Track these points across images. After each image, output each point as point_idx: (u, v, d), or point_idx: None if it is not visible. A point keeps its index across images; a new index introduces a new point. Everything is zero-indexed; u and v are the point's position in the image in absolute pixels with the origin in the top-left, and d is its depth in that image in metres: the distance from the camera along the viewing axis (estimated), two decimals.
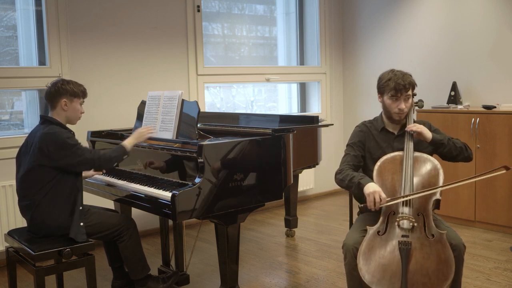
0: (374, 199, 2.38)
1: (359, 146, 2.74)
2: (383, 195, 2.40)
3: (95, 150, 2.91)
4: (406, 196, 2.46)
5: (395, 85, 2.59)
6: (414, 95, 2.72)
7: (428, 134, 2.64)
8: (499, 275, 3.52)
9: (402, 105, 2.63)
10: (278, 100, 6.17)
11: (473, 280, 3.43)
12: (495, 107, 4.47)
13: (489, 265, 3.69)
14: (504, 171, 2.38)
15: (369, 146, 2.75)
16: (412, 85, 2.66)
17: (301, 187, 5.59)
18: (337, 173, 2.65)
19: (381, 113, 2.80)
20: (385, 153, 2.66)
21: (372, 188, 2.42)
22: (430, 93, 5.18)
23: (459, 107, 4.76)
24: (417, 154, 2.62)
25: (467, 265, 3.64)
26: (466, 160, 2.76)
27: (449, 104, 4.86)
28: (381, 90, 2.69)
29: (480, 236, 4.34)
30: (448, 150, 2.67)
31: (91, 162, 2.84)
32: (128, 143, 3.00)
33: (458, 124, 4.59)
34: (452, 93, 4.88)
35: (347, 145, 2.78)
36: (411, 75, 2.68)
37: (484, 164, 4.44)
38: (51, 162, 2.75)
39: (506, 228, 4.37)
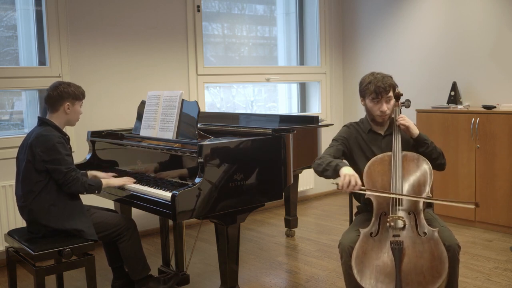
0: (350, 182, 2.40)
1: (343, 142, 2.77)
2: (359, 182, 2.43)
3: (78, 171, 2.85)
4: (388, 193, 2.48)
5: (375, 88, 2.63)
6: (401, 95, 2.75)
7: (415, 130, 2.69)
8: (499, 275, 3.52)
9: (384, 107, 2.66)
10: (278, 100, 6.17)
11: (473, 280, 3.43)
12: (495, 107, 4.47)
13: (489, 265, 3.69)
14: (473, 207, 2.39)
15: (357, 146, 2.77)
16: (393, 87, 2.69)
17: (301, 187, 5.59)
18: (316, 159, 2.68)
19: (366, 115, 2.82)
20: (374, 154, 2.68)
21: (349, 171, 2.46)
22: (430, 93, 5.18)
23: (459, 107, 4.76)
24: (405, 153, 2.63)
25: (467, 265, 3.65)
26: (440, 168, 2.74)
27: (449, 104, 4.86)
28: (362, 93, 2.72)
29: (480, 236, 4.34)
30: (429, 151, 2.68)
31: (67, 175, 2.76)
32: (106, 182, 2.99)
33: (458, 124, 4.59)
34: (452, 93, 4.88)
35: (332, 140, 2.82)
36: (391, 77, 2.71)
37: (484, 164, 4.44)
38: (36, 163, 2.77)
39: (506, 228, 4.37)
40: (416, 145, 2.70)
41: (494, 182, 4.39)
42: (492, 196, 4.42)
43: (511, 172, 4.30)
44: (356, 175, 2.45)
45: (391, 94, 2.67)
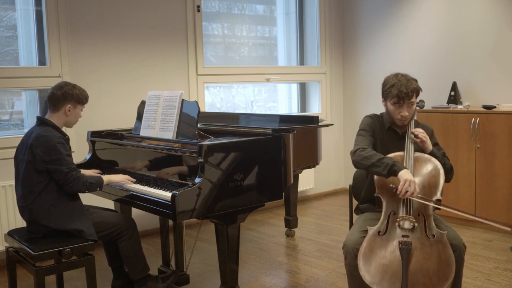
0: (409, 188, 2.35)
1: (371, 134, 2.72)
2: (418, 189, 2.39)
3: (78, 171, 2.85)
4: (429, 200, 2.45)
5: (398, 92, 2.58)
6: None
7: (429, 146, 2.64)
8: (499, 275, 3.52)
9: (405, 112, 2.62)
10: (278, 100, 6.17)
11: (473, 280, 3.43)
12: (495, 107, 4.47)
13: (489, 265, 3.69)
14: (509, 230, 2.40)
15: (377, 139, 2.74)
16: (416, 91, 2.63)
17: (301, 187, 5.59)
18: (359, 150, 2.56)
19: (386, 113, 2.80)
20: (389, 152, 2.66)
21: (409, 175, 2.39)
22: (430, 93, 5.17)
23: (459, 107, 4.76)
24: (417, 154, 2.62)
25: (467, 265, 3.64)
26: (446, 181, 2.69)
27: (449, 104, 4.86)
28: (384, 94, 2.68)
29: (480, 236, 4.34)
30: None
31: (68, 175, 2.75)
32: (107, 178, 2.98)
33: (458, 124, 4.59)
34: (452, 93, 4.88)
35: (360, 130, 2.74)
36: (416, 80, 2.65)
37: (484, 164, 4.44)
38: (36, 163, 2.76)
39: None
40: None
41: (494, 182, 4.39)
42: (492, 196, 4.42)
43: (511, 172, 4.30)
44: (415, 181, 2.39)
45: (413, 99, 2.62)
